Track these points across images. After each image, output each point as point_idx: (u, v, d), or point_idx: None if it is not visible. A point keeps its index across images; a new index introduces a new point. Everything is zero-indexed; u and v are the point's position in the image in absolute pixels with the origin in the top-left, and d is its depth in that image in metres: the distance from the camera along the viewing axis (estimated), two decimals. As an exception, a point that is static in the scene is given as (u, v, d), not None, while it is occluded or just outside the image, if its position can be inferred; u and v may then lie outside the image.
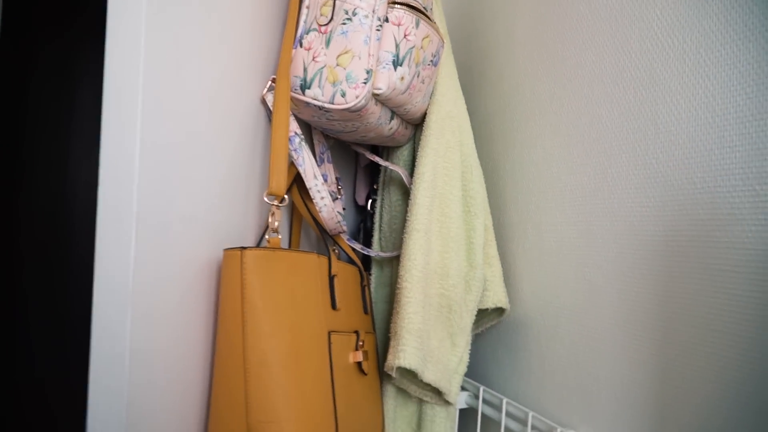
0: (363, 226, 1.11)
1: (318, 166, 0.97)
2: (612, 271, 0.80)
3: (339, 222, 0.83)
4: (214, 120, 0.73)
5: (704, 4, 0.66)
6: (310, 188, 0.79)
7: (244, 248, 0.68)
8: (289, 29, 0.81)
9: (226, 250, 0.69)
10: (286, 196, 0.75)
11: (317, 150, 0.96)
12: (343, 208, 1.00)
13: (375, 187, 1.09)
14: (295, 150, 0.79)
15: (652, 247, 0.73)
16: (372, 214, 1.08)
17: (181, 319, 0.67)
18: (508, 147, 1.06)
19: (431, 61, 0.88)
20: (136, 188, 0.61)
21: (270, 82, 0.82)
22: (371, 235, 1.06)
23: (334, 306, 0.78)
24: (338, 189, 0.97)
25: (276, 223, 0.73)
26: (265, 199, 0.74)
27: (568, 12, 0.90)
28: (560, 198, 0.91)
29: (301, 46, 0.80)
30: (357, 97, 0.77)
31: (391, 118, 0.89)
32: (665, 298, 0.71)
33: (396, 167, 0.98)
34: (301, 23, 0.81)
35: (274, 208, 0.73)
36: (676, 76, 0.70)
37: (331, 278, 0.79)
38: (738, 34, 0.62)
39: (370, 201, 1.11)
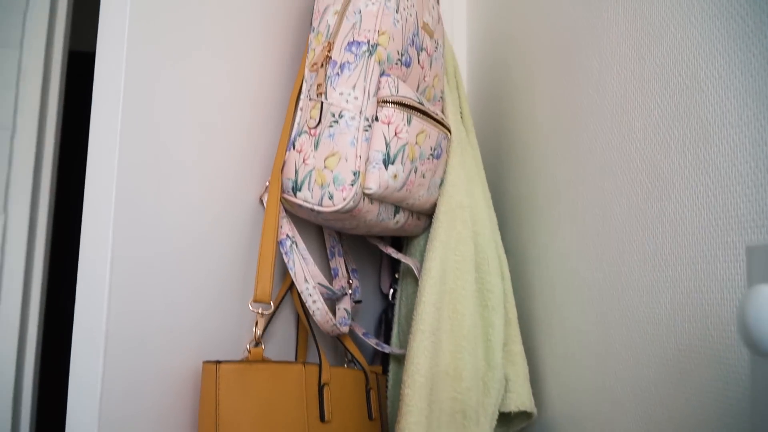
0: (384, 316, 1.07)
1: (329, 259, 0.96)
2: (630, 381, 0.71)
3: (335, 324, 0.80)
4: (206, 225, 0.74)
5: (702, 96, 0.60)
6: (301, 292, 0.77)
7: (219, 362, 0.66)
8: (284, 131, 0.82)
9: (204, 363, 0.68)
10: (272, 303, 0.74)
11: (327, 244, 0.95)
12: (357, 302, 0.97)
13: (396, 276, 1.06)
14: (285, 253, 0.79)
15: (665, 358, 0.65)
16: (393, 305, 1.04)
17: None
18: (534, 233, 1.00)
19: (431, 155, 0.86)
20: (107, 304, 0.62)
21: (266, 184, 0.82)
22: (391, 328, 1.02)
23: (322, 418, 0.74)
24: (349, 283, 0.95)
25: (259, 332, 0.72)
26: (250, 306, 0.73)
27: (580, 98, 0.85)
28: (580, 295, 0.84)
29: (294, 148, 0.80)
30: (344, 200, 0.75)
31: (396, 212, 0.87)
32: (681, 421, 0.62)
33: (407, 259, 0.95)
34: (295, 125, 0.81)
35: (258, 316, 0.72)
36: (677, 171, 0.63)
37: (321, 388, 0.76)
38: (735, 129, 0.55)
39: (392, 290, 1.08)
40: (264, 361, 0.71)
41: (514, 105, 1.14)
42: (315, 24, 0.85)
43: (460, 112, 1.07)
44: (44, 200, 1.31)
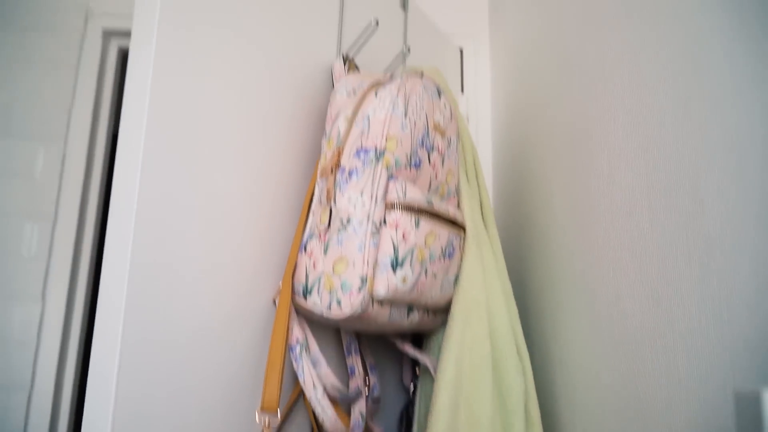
0: (406, 413, 1.05)
1: (345, 357, 0.95)
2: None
3: (346, 431, 0.79)
4: (217, 327, 0.75)
5: (703, 209, 0.59)
6: (310, 398, 0.77)
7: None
8: (297, 234, 0.84)
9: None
10: (278, 413, 0.73)
11: (344, 342, 0.95)
12: (375, 400, 0.95)
13: (417, 372, 1.04)
14: (295, 359, 0.79)
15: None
16: (413, 402, 1.02)
17: None
18: (555, 328, 0.98)
19: (441, 254, 0.85)
20: (113, 410, 0.63)
21: (279, 285, 0.83)
22: (411, 426, 1.00)
23: None
24: (366, 381, 0.94)
25: (264, 444, 0.71)
26: (257, 415, 0.72)
27: (593, 194, 0.85)
28: (600, 397, 0.80)
29: (305, 251, 0.81)
30: (352, 305, 0.75)
31: (410, 312, 0.86)
32: None
33: (424, 358, 0.93)
34: (307, 228, 0.83)
35: (264, 428, 0.72)
36: (684, 280, 0.61)
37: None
38: (736, 244, 0.54)
39: (412, 385, 1.05)
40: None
41: (534, 198, 1.13)
42: (327, 129, 0.87)
43: (480, 203, 1.07)
44: (81, 291, 1.36)
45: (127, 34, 1.53)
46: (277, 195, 0.88)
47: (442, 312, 0.95)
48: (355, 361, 0.94)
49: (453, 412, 0.83)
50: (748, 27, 0.53)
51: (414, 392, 1.03)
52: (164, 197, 0.70)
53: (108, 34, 1.53)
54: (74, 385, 1.32)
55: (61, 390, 1.30)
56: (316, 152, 0.96)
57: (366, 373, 0.95)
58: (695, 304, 0.59)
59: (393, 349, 1.11)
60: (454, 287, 0.91)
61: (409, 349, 0.96)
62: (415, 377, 1.05)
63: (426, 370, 0.97)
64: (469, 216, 0.97)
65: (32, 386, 1.25)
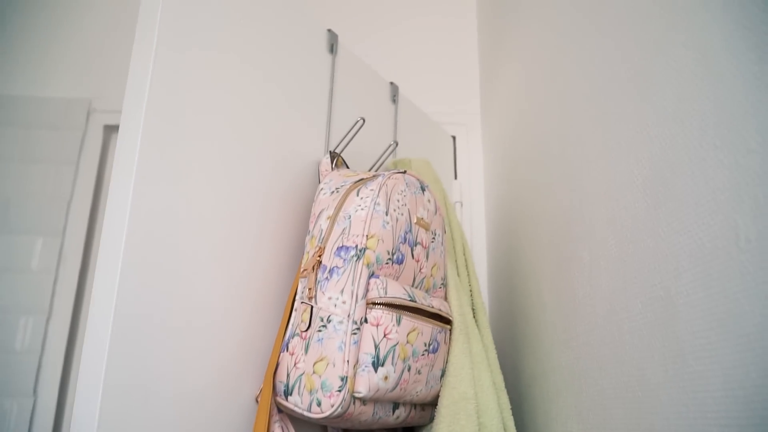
0: None
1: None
2: None
3: None
4: (201, 425, 0.74)
5: (675, 312, 0.59)
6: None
7: None
8: (280, 332, 0.84)
9: None
10: None
11: (330, 440, 0.93)
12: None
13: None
14: (275, 462, 0.77)
15: None
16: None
17: None
18: (548, 419, 0.95)
19: (425, 350, 0.85)
20: None
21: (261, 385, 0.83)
22: None
23: None
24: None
25: None
26: None
27: (575, 287, 0.85)
28: (592, 502, 0.77)
29: (287, 349, 0.81)
30: (332, 406, 0.74)
31: (395, 409, 0.85)
32: None
33: (412, 457, 0.91)
34: (290, 327, 0.83)
35: None
36: (661, 383, 0.60)
37: None
38: (706, 352, 0.53)
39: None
40: None
41: (525, 285, 1.14)
42: (311, 227, 0.89)
43: (470, 292, 1.07)
44: (73, 386, 1.35)
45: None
46: (261, 293, 0.88)
47: (431, 406, 0.94)
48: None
49: None
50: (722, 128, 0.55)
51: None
52: (142, 306, 0.71)
53: (109, 130, 1.59)
54: None
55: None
56: (301, 248, 0.97)
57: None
58: (673, 413, 0.58)
59: (384, 444, 1.08)
60: (440, 382, 0.90)
61: (397, 449, 0.93)
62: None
63: (416, 468, 0.94)
64: (456, 308, 0.97)
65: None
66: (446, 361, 0.91)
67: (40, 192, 1.47)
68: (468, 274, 1.12)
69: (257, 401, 0.83)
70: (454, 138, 1.71)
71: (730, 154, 0.50)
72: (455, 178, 1.67)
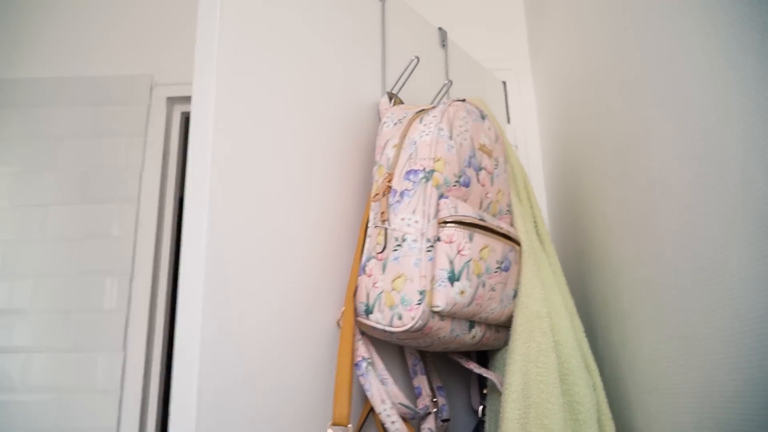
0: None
1: (411, 378, 0.97)
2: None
3: (416, 446, 0.80)
4: (282, 348, 0.79)
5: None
6: (379, 413, 0.79)
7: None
8: (356, 258, 0.88)
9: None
10: (350, 426, 0.75)
11: (409, 363, 0.97)
12: (445, 420, 0.96)
13: (484, 392, 1.04)
14: (362, 375, 0.81)
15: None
16: (483, 422, 1.02)
17: None
18: (623, 339, 0.96)
19: (498, 268, 0.87)
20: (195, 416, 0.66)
21: (342, 308, 0.87)
22: (483, 446, 0.99)
23: None
24: (433, 402, 0.94)
25: (337, 457, 0.73)
26: (329, 431, 0.75)
27: (644, 198, 0.85)
28: (675, 404, 0.78)
29: (364, 272, 0.85)
30: (413, 319, 0.78)
31: (471, 327, 0.88)
32: None
33: (489, 374, 0.94)
34: (365, 251, 0.87)
35: (336, 441, 0.74)
36: (735, 257, 0.61)
37: None
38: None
39: (481, 407, 1.05)
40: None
41: (589, 213, 1.14)
42: (377, 158, 0.92)
43: (534, 222, 1.09)
44: (158, 338, 1.44)
45: (188, 99, 1.66)
46: (334, 225, 0.92)
47: (505, 328, 0.96)
48: (421, 382, 0.95)
49: (522, 424, 0.83)
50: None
51: (483, 413, 1.03)
52: (231, 238, 0.75)
53: (171, 101, 1.66)
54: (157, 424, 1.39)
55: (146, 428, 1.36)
56: (367, 182, 1.01)
57: (433, 394, 0.96)
58: (752, 287, 0.59)
59: (459, 373, 1.11)
60: (513, 302, 0.92)
61: (474, 367, 0.96)
62: (483, 399, 1.05)
63: (493, 388, 0.97)
64: (523, 233, 0.99)
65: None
66: (518, 282, 0.93)
67: (113, 164, 1.55)
68: (531, 206, 1.13)
69: (338, 325, 0.88)
70: (504, 83, 1.70)
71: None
72: (508, 122, 1.67)
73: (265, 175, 0.82)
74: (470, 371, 1.11)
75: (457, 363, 1.08)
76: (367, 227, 0.89)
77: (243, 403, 0.72)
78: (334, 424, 0.75)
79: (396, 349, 0.97)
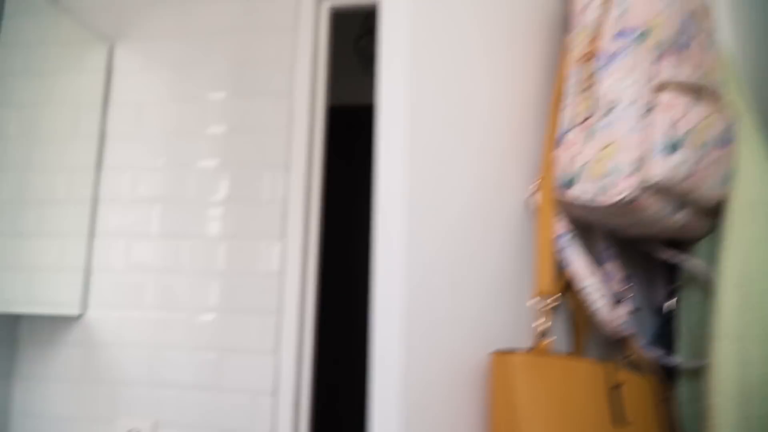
0: (662, 330, 0.98)
1: (600, 265, 0.92)
2: None
3: (620, 325, 0.75)
4: (476, 223, 0.76)
5: None
6: (584, 286, 0.75)
7: (510, 352, 0.66)
8: (548, 132, 0.82)
9: (493, 353, 0.68)
10: (557, 295, 0.72)
11: (600, 247, 0.91)
12: (635, 310, 0.90)
13: (675, 286, 0.97)
14: (564, 248, 0.77)
15: None
16: (672, 318, 0.95)
17: (450, 420, 0.67)
18: None
19: (720, 140, 0.78)
20: (403, 290, 0.65)
21: (532, 187, 0.82)
22: (672, 342, 0.93)
23: (616, 421, 0.69)
24: (625, 289, 0.89)
25: (543, 327, 0.70)
26: (534, 300, 0.72)
27: None
28: None
29: (563, 144, 0.79)
30: (621, 192, 0.71)
31: (677, 210, 0.80)
32: None
33: (693, 263, 0.86)
34: (564, 122, 0.80)
35: (541, 311, 0.71)
36: None
37: (613, 389, 0.71)
38: None
39: (669, 302, 0.98)
40: (553, 355, 0.69)
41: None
42: (574, 23, 0.84)
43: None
44: (314, 226, 1.48)
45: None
46: (517, 102, 0.86)
47: (709, 217, 0.87)
48: (612, 267, 0.89)
49: (741, 314, 0.76)
50: None
51: (670, 309, 0.96)
52: (426, 109, 0.71)
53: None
54: (315, 307, 1.45)
55: (305, 313, 1.43)
56: (550, 57, 0.93)
57: (624, 282, 0.90)
58: None
59: (643, 270, 1.04)
60: (730, 183, 0.82)
61: (671, 255, 0.89)
62: (670, 295, 0.98)
63: (690, 280, 0.89)
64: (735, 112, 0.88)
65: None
66: (737, 162, 0.83)
67: (264, 59, 1.57)
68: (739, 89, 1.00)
69: (526, 205, 0.83)
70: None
71: None
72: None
73: (460, 58, 0.77)
74: (651, 265, 1.04)
75: (641, 254, 1.01)
76: (560, 98, 0.82)
77: (444, 273, 0.70)
78: (539, 294, 0.72)
79: (582, 231, 0.92)
